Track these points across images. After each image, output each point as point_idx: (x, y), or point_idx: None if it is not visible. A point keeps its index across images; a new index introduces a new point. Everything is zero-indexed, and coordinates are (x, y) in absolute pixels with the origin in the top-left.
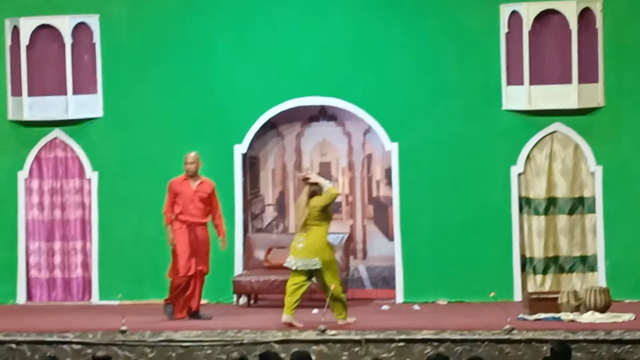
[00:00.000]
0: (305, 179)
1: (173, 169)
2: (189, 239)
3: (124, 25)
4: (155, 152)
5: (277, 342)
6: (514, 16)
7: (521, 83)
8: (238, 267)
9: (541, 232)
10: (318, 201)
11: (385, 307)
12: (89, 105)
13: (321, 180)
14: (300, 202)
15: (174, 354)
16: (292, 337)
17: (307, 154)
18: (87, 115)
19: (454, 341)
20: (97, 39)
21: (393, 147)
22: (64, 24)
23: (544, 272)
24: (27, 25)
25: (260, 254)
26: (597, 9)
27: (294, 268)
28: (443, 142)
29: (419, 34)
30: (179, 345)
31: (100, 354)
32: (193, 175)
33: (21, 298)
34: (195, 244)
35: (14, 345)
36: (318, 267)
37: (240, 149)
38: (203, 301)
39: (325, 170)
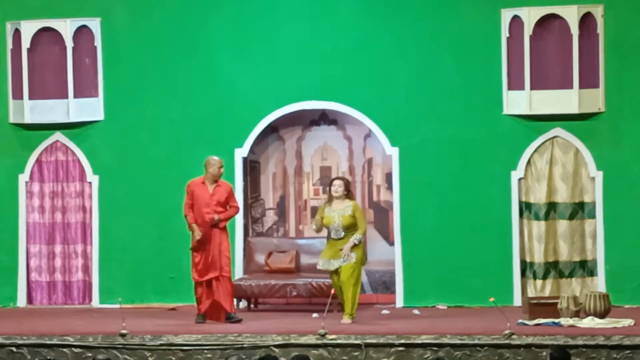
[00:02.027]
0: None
1: (174, 173)
2: (205, 244)
3: (125, 29)
4: (156, 155)
5: (276, 346)
6: (516, 21)
7: (522, 88)
8: (238, 271)
9: (541, 237)
10: None
11: (385, 312)
12: (90, 109)
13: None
14: None
15: (174, 358)
16: (292, 341)
17: (308, 158)
18: (88, 119)
19: (453, 346)
20: (98, 42)
21: (394, 152)
22: (65, 27)
23: (544, 277)
24: (29, 29)
25: (260, 258)
26: (599, 14)
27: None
28: (444, 146)
29: (420, 38)
30: (179, 349)
31: (100, 357)
32: (216, 180)
33: (22, 301)
34: (211, 248)
35: (14, 349)
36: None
37: (241, 153)
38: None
39: (326, 174)
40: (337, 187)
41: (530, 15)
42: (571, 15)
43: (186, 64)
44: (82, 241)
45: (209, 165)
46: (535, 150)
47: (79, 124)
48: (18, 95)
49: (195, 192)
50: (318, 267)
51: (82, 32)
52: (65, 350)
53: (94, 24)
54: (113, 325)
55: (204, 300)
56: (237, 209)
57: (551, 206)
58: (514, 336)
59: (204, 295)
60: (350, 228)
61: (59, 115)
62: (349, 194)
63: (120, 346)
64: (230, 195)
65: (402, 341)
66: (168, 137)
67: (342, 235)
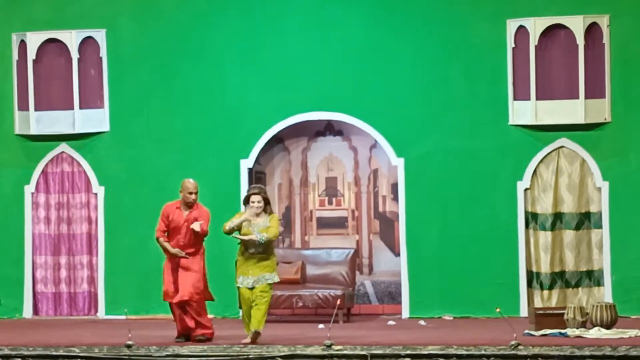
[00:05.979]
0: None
1: (179, 184)
2: (174, 266)
3: (130, 40)
4: (162, 166)
5: (282, 357)
6: (521, 31)
7: (528, 98)
8: None
9: (547, 247)
10: None
11: (391, 322)
12: (95, 120)
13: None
14: None
15: None
16: (298, 352)
17: (314, 168)
18: (93, 130)
19: (459, 356)
20: (103, 53)
21: (399, 162)
22: (71, 38)
23: (550, 287)
24: (34, 40)
25: None
26: (604, 24)
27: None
28: (449, 157)
29: (426, 49)
30: None
31: None
32: (190, 206)
33: (27, 312)
34: (179, 272)
35: None
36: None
37: (246, 164)
38: (209, 315)
39: (331, 184)
40: (257, 204)
41: (535, 26)
42: (577, 25)
43: (192, 75)
44: (87, 252)
45: (181, 189)
46: (541, 161)
47: (85, 135)
48: (24, 106)
49: (170, 216)
50: (237, 285)
51: (87, 44)
52: None
53: (100, 35)
54: (119, 336)
55: (175, 319)
56: (205, 232)
57: (557, 216)
58: (520, 347)
59: (177, 317)
60: (269, 243)
61: (65, 126)
62: (267, 207)
63: (126, 357)
64: (204, 219)
65: (408, 352)
66: (173, 148)
67: (260, 250)
